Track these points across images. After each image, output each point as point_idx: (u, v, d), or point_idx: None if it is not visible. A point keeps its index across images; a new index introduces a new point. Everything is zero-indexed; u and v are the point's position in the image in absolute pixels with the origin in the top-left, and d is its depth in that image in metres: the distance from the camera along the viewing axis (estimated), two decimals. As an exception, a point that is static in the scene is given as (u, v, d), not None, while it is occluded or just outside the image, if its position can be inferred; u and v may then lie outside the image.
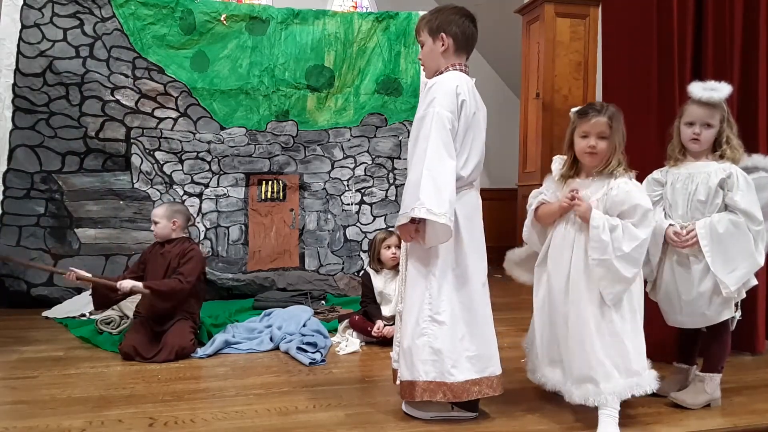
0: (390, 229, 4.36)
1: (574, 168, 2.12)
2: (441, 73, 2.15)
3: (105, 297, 2.97)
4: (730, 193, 2.19)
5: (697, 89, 2.28)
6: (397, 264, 3.25)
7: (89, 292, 3.79)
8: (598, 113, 2.01)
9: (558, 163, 2.18)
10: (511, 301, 4.63)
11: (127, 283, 2.87)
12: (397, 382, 2.13)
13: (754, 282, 2.27)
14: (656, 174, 2.38)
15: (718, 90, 2.26)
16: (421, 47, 2.24)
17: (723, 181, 2.21)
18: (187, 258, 3.01)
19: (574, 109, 2.06)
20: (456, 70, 2.14)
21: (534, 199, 2.23)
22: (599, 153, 2.01)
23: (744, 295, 2.27)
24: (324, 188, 4.79)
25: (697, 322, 2.29)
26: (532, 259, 2.29)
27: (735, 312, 2.26)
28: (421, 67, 2.33)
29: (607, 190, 2.01)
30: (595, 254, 1.95)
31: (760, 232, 2.17)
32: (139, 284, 2.88)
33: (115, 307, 3.42)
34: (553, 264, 2.11)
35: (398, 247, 3.27)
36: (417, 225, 2.00)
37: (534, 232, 2.24)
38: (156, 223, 3.11)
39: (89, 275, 2.95)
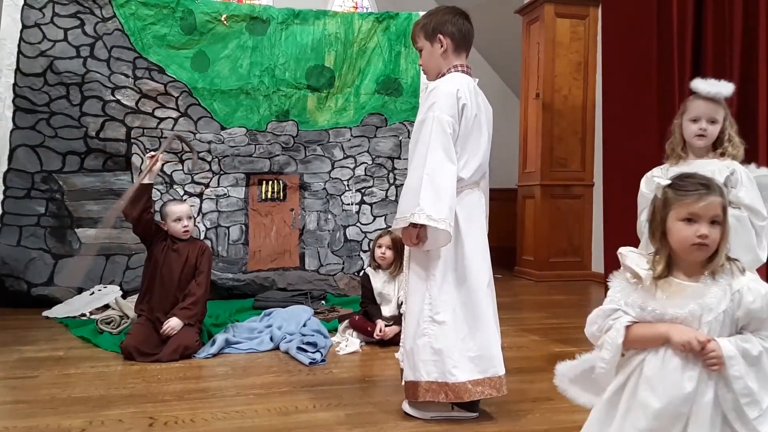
0: (390, 228, 4.37)
1: (670, 265, 1.44)
2: (443, 75, 2.15)
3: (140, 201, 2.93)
4: (734, 189, 2.18)
5: (703, 84, 2.24)
6: (391, 264, 3.29)
7: (90, 291, 3.82)
8: (708, 191, 1.40)
9: (632, 259, 1.48)
10: (510, 300, 4.64)
11: (174, 324, 2.90)
12: (403, 382, 2.14)
13: None
14: (656, 171, 2.30)
15: (723, 86, 2.23)
16: (420, 53, 2.24)
17: (727, 178, 2.20)
18: (206, 256, 3.12)
19: (663, 182, 1.49)
20: (458, 71, 2.14)
21: (605, 319, 1.47)
22: (711, 245, 1.40)
23: None
24: (324, 188, 4.79)
25: None
26: (588, 376, 1.63)
27: None
28: (422, 72, 2.32)
29: (733, 296, 1.38)
30: (753, 412, 1.35)
31: (764, 228, 2.17)
32: (182, 324, 2.92)
33: (115, 306, 3.44)
34: (656, 406, 1.36)
35: (389, 248, 3.30)
36: (418, 229, 2.00)
37: (615, 367, 1.46)
38: (190, 219, 3.12)
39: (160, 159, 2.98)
